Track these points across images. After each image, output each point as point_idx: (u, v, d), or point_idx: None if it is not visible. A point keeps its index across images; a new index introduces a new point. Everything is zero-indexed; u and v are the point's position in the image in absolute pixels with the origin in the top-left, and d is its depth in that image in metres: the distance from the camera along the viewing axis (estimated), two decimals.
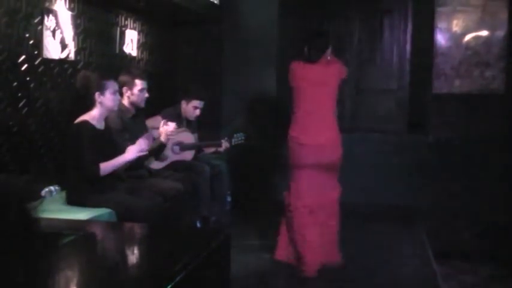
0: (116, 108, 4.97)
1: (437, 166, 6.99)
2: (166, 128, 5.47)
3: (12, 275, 2.05)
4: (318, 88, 5.09)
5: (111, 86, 4.82)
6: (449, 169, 6.96)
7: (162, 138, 5.46)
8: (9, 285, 2.13)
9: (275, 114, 7.58)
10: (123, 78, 5.52)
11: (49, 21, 5.06)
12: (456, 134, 7.00)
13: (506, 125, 6.84)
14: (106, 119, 4.93)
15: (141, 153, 4.87)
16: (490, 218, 6.64)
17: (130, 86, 5.53)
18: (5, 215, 1.77)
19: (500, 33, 6.97)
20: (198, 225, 5.91)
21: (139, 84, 5.56)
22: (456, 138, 6.98)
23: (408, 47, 7.49)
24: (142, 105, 5.65)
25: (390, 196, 6.93)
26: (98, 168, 4.60)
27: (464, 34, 7.09)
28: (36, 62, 4.97)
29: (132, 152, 4.81)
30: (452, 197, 6.87)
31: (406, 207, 6.88)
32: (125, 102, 5.54)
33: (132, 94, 5.55)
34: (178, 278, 2.41)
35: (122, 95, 5.45)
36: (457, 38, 7.11)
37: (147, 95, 5.62)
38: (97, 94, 4.73)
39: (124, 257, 2.92)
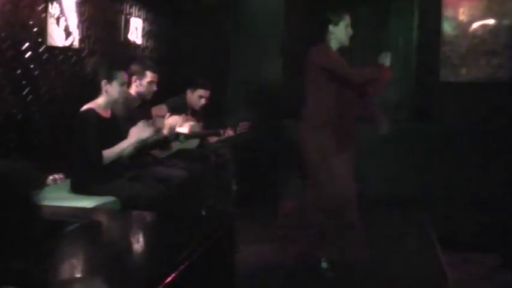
0: (121, 100, 4.97)
1: (444, 154, 6.95)
2: (170, 121, 5.43)
3: (16, 262, 2.04)
4: None
5: (120, 77, 4.80)
6: (456, 158, 6.92)
7: (166, 131, 5.42)
8: (12, 273, 2.12)
9: (280, 104, 7.57)
10: (134, 67, 5.50)
11: (53, 9, 5.04)
12: (463, 122, 6.96)
13: None
14: (112, 107, 4.91)
15: (144, 137, 4.84)
16: (496, 208, 6.61)
17: (140, 76, 5.51)
18: (8, 202, 1.75)
19: (507, 21, 6.92)
20: (203, 213, 5.90)
21: (149, 76, 5.54)
22: (463, 126, 6.94)
23: (415, 35, 7.45)
24: (149, 97, 5.64)
25: (396, 185, 6.91)
26: (101, 156, 4.58)
27: (471, 22, 7.05)
28: (40, 50, 4.95)
29: (133, 135, 4.78)
30: (459, 186, 6.84)
31: (411, 197, 6.85)
32: (132, 91, 5.52)
33: (140, 85, 5.52)
34: (182, 267, 2.40)
35: (130, 83, 5.43)
36: (463, 27, 7.07)
37: (155, 88, 5.60)
38: (104, 82, 4.72)
39: (128, 245, 2.91)
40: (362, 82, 4.86)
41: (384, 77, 4.89)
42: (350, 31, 4.92)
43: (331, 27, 4.85)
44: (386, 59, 4.89)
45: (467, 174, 6.87)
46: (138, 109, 5.55)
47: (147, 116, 5.50)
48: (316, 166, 4.85)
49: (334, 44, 4.89)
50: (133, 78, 5.49)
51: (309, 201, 5.01)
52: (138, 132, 4.80)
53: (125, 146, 4.77)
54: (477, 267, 5.62)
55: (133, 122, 5.16)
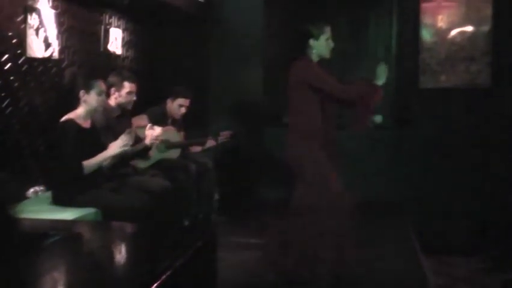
0: (100, 109, 4.96)
1: (423, 161, 7.00)
2: (152, 132, 5.41)
3: None
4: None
5: (97, 86, 4.80)
6: (435, 164, 6.97)
7: (147, 141, 5.42)
8: None
9: (261, 113, 7.58)
10: (112, 79, 5.52)
11: (32, 20, 5.01)
12: (442, 128, 7.01)
13: (492, 118, 6.86)
14: (92, 118, 4.91)
15: (124, 148, 4.83)
16: (476, 212, 6.66)
17: (119, 87, 5.52)
18: None
19: (485, 28, 6.99)
20: (185, 223, 5.89)
21: (127, 87, 5.55)
22: (442, 132, 6.99)
23: (394, 42, 7.49)
24: (129, 107, 5.65)
25: (376, 191, 6.94)
26: (81, 166, 4.57)
27: (449, 29, 7.11)
28: (20, 61, 4.92)
29: (114, 147, 4.78)
30: (439, 192, 6.89)
31: (392, 202, 6.88)
32: (112, 102, 5.53)
33: (119, 96, 5.54)
34: (164, 277, 2.39)
35: (109, 95, 5.43)
36: (442, 34, 7.13)
37: (134, 98, 5.61)
38: (82, 92, 4.72)
39: (110, 257, 2.90)
40: (349, 100, 4.83)
41: (374, 97, 4.85)
42: (331, 44, 4.88)
43: (311, 41, 4.80)
44: (382, 74, 4.85)
45: (447, 179, 6.92)
46: (118, 119, 5.55)
47: (127, 126, 5.49)
48: (311, 174, 4.82)
49: (314, 57, 4.83)
50: (112, 89, 5.50)
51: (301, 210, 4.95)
52: (119, 144, 4.79)
53: (105, 157, 4.76)
54: (459, 270, 5.66)
55: (113, 132, 5.16)
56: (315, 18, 4.97)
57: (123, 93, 5.54)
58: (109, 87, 5.39)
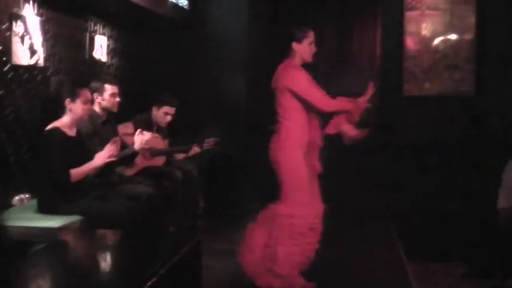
0: (86, 118, 4.97)
1: (408, 168, 7.04)
2: (141, 137, 5.37)
3: None
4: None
5: (84, 95, 4.80)
6: (419, 171, 7.01)
7: (136, 147, 5.39)
8: None
9: (246, 120, 7.59)
10: (93, 84, 5.53)
11: (17, 27, 5.01)
12: (426, 135, 7.06)
13: (476, 125, 6.92)
14: (78, 125, 4.91)
15: (110, 159, 4.83)
16: (460, 219, 6.70)
17: (101, 91, 5.54)
18: None
19: (468, 36, 7.07)
20: (170, 230, 5.88)
21: (109, 89, 5.56)
22: (426, 140, 7.04)
23: (378, 50, 7.53)
24: (115, 109, 5.65)
25: (362, 198, 6.96)
26: (68, 175, 4.56)
27: (433, 38, 7.19)
28: (5, 69, 4.91)
29: (100, 157, 4.78)
30: (423, 199, 6.92)
31: (377, 209, 6.91)
32: (96, 107, 5.53)
33: (103, 99, 5.55)
34: (149, 283, 2.41)
35: (93, 100, 5.44)
36: (426, 42, 7.20)
37: (118, 99, 5.62)
38: (68, 101, 4.71)
39: (95, 264, 2.91)
40: (333, 112, 4.87)
41: (358, 108, 4.88)
42: (313, 48, 4.87)
43: (294, 45, 4.80)
44: (369, 91, 4.88)
45: (431, 186, 6.96)
46: (104, 125, 5.55)
47: (113, 133, 5.49)
48: (292, 185, 4.79)
49: (297, 61, 4.85)
50: (95, 95, 5.51)
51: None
52: (105, 155, 4.78)
53: (92, 167, 4.76)
54: (443, 277, 5.69)
55: (99, 139, 5.16)
56: (299, 23, 4.98)
57: (106, 96, 5.56)
58: (92, 92, 5.39)
